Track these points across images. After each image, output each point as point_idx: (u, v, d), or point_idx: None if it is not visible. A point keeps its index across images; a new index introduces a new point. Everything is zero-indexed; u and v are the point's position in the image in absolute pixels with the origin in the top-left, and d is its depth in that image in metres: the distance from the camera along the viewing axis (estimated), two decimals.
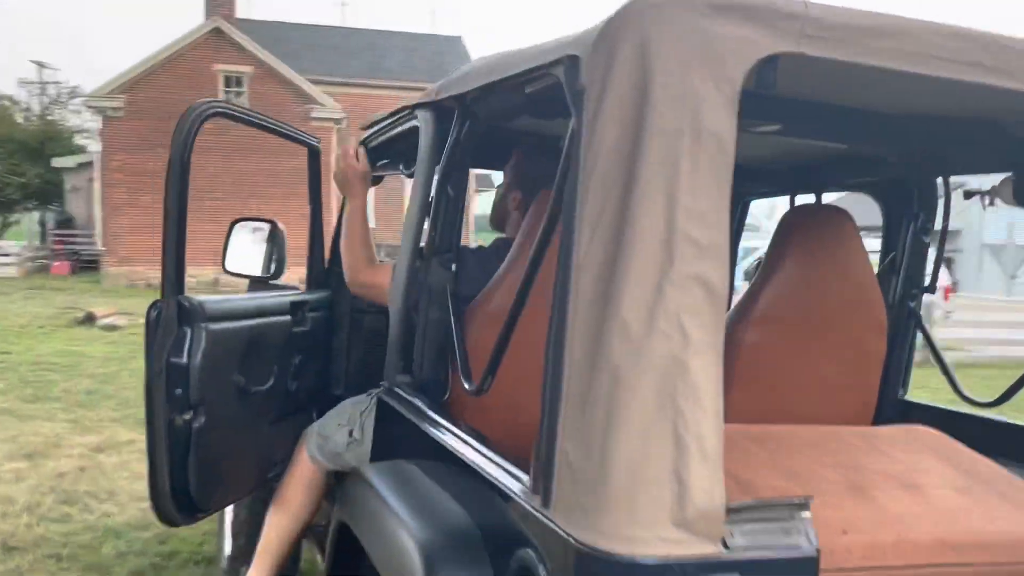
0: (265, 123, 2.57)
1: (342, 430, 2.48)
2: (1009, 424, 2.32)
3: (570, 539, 1.14)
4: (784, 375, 2.39)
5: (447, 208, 2.02)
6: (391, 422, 2.05)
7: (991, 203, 2.32)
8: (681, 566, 1.08)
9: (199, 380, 2.20)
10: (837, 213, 2.35)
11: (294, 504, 2.58)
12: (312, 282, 2.97)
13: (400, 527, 1.53)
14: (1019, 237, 25.48)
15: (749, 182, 2.87)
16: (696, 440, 1.12)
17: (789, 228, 2.41)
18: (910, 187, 2.53)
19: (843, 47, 1.28)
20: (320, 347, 2.88)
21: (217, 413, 2.29)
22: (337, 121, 21.69)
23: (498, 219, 2.56)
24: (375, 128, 2.61)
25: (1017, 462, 2.02)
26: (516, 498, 1.33)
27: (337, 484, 2.69)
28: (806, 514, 1.19)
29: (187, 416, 2.21)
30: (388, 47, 27.43)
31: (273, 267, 2.92)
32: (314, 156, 2.90)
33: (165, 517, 2.29)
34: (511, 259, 2.17)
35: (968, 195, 2.34)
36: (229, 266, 2.94)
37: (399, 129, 2.42)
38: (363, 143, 2.65)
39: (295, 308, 2.71)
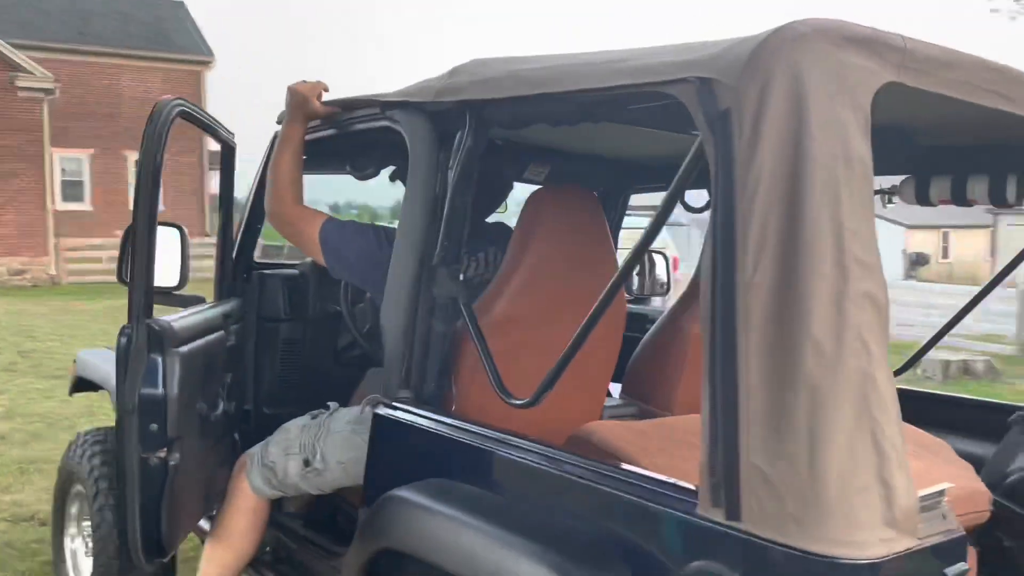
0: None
1: (292, 458, 2.33)
2: (910, 391, 2.69)
3: (782, 548, 1.20)
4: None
5: (455, 218, 1.96)
6: (403, 439, 1.96)
7: (890, 200, 2.68)
8: (894, 562, 1.18)
9: (176, 413, 1.96)
10: None
11: (236, 538, 2.38)
12: (223, 291, 2.71)
13: (512, 550, 1.50)
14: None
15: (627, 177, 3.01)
16: (892, 446, 1.23)
17: None
18: None
19: (926, 78, 1.44)
20: (240, 362, 2.65)
21: (186, 446, 2.06)
22: (48, 91, 19.32)
23: None
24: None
25: (922, 425, 2.37)
26: (676, 512, 1.36)
27: (277, 510, 2.52)
28: (945, 500, 1.34)
29: (161, 454, 1.97)
30: (97, 10, 24.79)
31: (179, 277, 2.62)
32: (228, 153, 2.63)
33: (133, 565, 2.03)
34: (508, 264, 2.15)
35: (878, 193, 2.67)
36: (126, 276, 2.60)
37: (355, 127, 2.29)
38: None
39: (224, 320, 2.47)
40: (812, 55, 1.29)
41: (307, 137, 2.34)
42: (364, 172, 2.59)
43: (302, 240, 2.30)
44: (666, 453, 1.78)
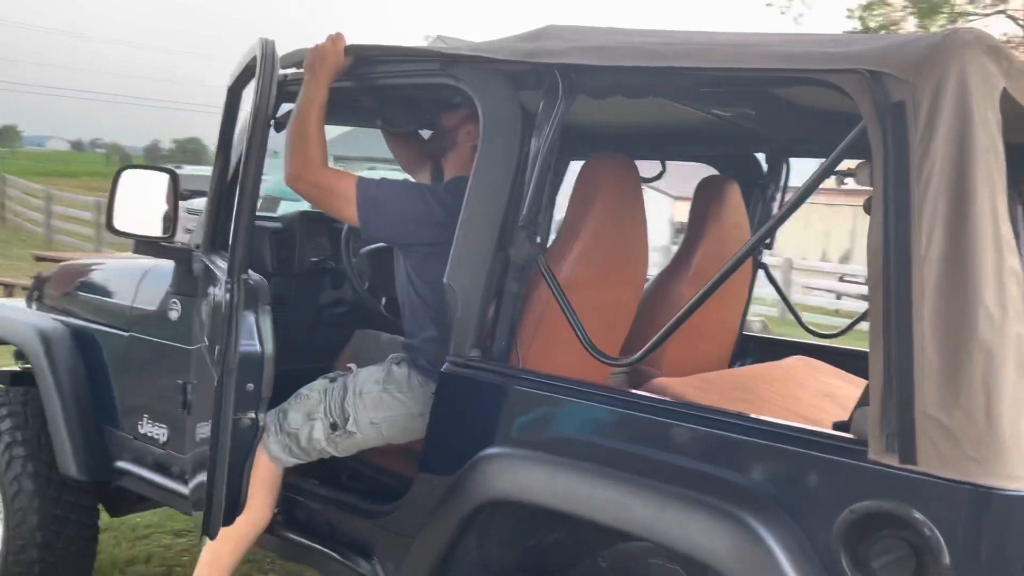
0: None
1: (317, 423, 2.30)
2: (846, 350, 3.04)
3: (962, 485, 1.40)
4: (695, 323, 2.81)
5: (540, 181, 1.99)
6: (487, 397, 1.99)
7: (843, 182, 3.00)
8: None
9: (270, 372, 1.87)
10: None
11: (253, 509, 2.28)
12: (213, 245, 2.53)
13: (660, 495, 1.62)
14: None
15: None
16: None
17: (703, 197, 2.80)
18: (772, 163, 3.08)
19: (1016, 83, 1.69)
20: None
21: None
22: None
23: (439, 149, 2.49)
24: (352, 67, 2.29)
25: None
26: (848, 460, 1.52)
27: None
28: None
29: (252, 415, 1.87)
30: None
31: (170, 226, 2.43)
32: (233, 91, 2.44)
33: (212, 532, 1.92)
34: (570, 227, 2.21)
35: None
36: (118, 224, 2.37)
37: (394, 81, 2.23)
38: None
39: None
40: (974, 61, 1.49)
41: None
42: (403, 127, 2.52)
43: (334, 201, 2.21)
44: (730, 404, 1.96)
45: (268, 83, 1.88)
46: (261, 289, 1.95)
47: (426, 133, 2.63)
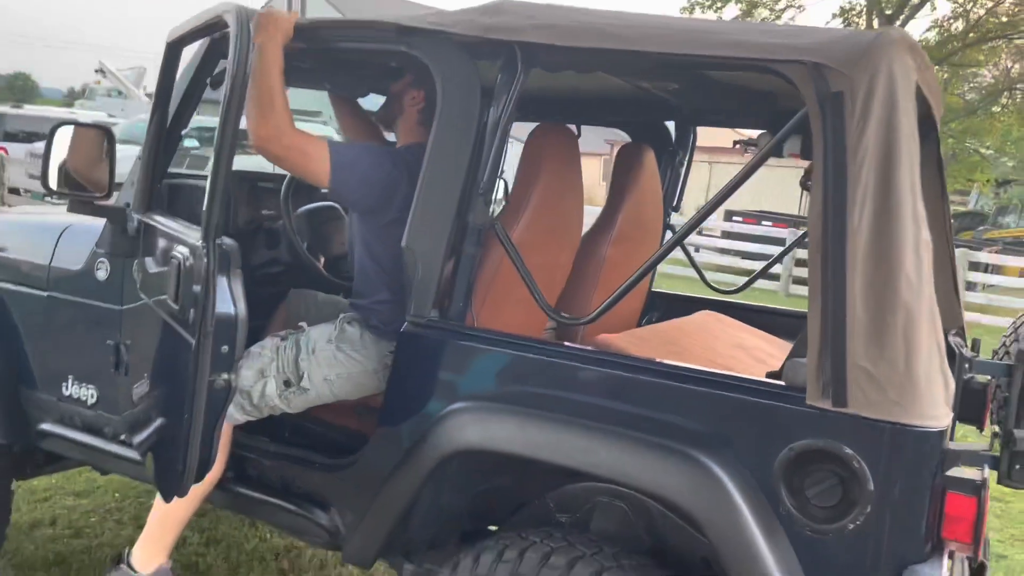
0: None
1: (270, 380, 2.37)
2: (744, 305, 3.33)
3: (886, 424, 1.65)
4: (618, 280, 3.01)
5: (497, 150, 2.10)
6: (447, 356, 2.11)
7: (746, 150, 3.25)
8: (946, 430, 1.70)
9: (242, 334, 1.91)
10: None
11: None
12: (146, 203, 2.49)
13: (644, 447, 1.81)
14: None
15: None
16: (941, 349, 1.73)
17: (624, 163, 2.98)
18: (681, 131, 3.30)
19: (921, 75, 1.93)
20: None
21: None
22: None
23: (389, 115, 2.55)
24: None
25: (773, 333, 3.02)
26: (786, 405, 1.74)
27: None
28: None
29: (226, 376, 1.91)
30: None
31: (105, 184, 2.37)
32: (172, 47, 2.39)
33: (183, 490, 1.96)
34: (520, 191, 2.33)
35: (734, 144, 3.22)
36: (53, 183, 2.29)
37: (344, 46, 2.26)
38: None
39: None
40: (899, 57, 1.72)
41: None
42: (351, 92, 2.53)
43: (308, 164, 2.23)
44: (663, 356, 2.17)
45: (245, 51, 1.89)
46: (233, 253, 1.98)
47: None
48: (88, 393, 2.71)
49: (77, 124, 2.39)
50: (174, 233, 2.18)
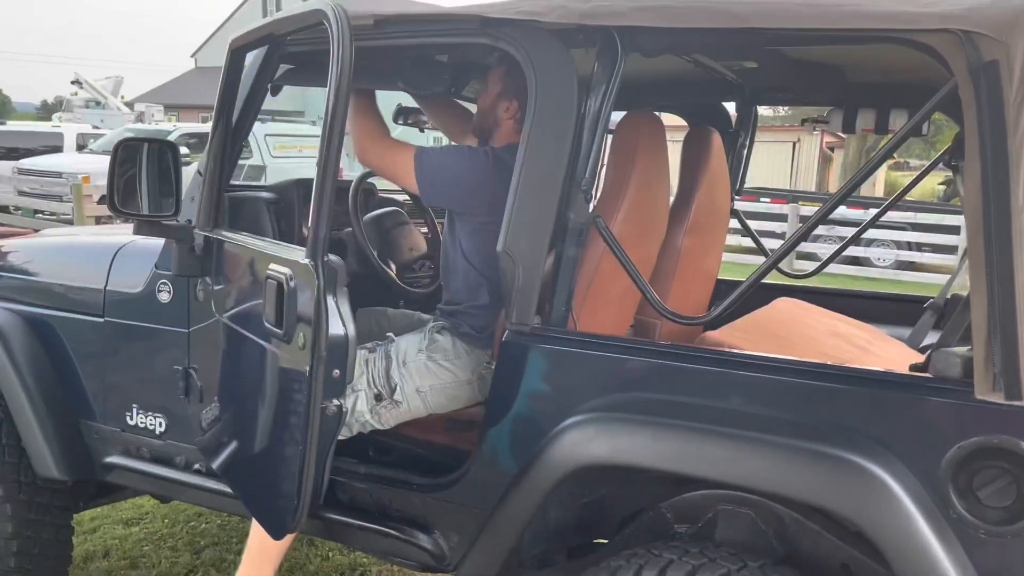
0: None
1: (360, 394, 2.27)
2: (819, 288, 3.22)
3: None
4: (694, 271, 2.90)
5: (596, 143, 1.97)
6: (562, 366, 1.99)
7: (814, 129, 3.13)
8: None
9: (352, 357, 1.78)
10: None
11: None
12: (211, 218, 2.35)
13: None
14: None
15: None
16: None
17: (692, 149, 2.86)
18: (743, 112, 3.17)
19: None
20: None
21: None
22: None
23: (484, 129, 2.45)
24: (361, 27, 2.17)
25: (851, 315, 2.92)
26: (952, 401, 1.63)
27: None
28: None
29: (338, 401, 1.78)
30: None
31: (172, 203, 2.24)
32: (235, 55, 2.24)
33: (294, 526, 1.84)
34: (615, 184, 2.21)
35: (803, 122, 3.10)
36: (121, 203, 2.16)
37: (430, 40, 2.13)
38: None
39: None
40: None
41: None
42: (432, 89, 2.40)
43: (397, 171, 2.24)
44: (774, 350, 2.06)
45: (348, 55, 1.75)
46: (340, 271, 1.85)
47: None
48: (156, 422, 2.58)
49: (140, 140, 2.25)
50: (263, 250, 2.04)
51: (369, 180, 2.85)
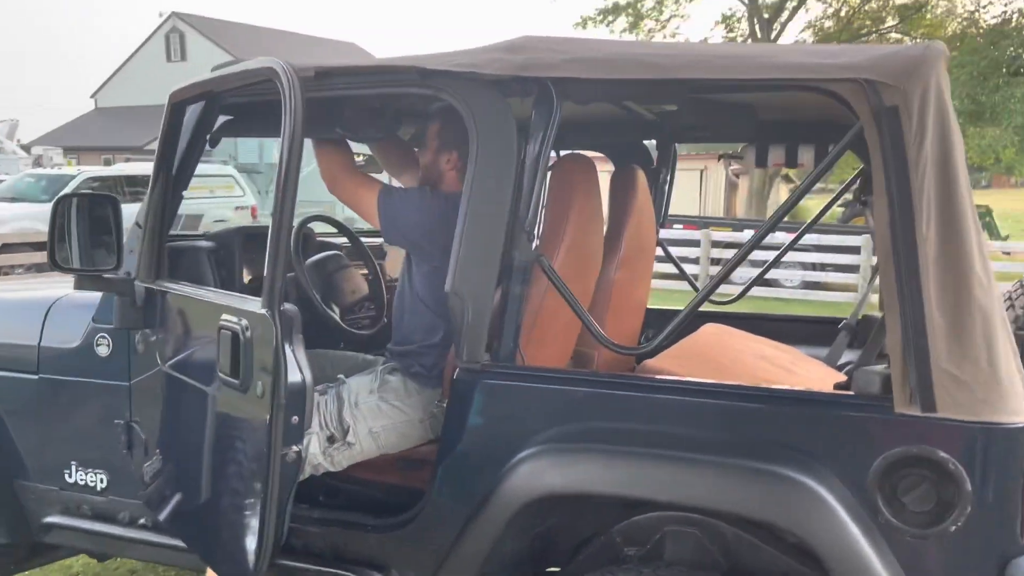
0: None
1: (313, 436, 2.26)
2: (739, 313, 3.39)
3: (975, 424, 1.70)
4: (626, 303, 3.03)
5: (534, 184, 2.08)
6: (514, 401, 2.06)
7: (730, 164, 3.32)
8: None
9: (310, 404, 1.81)
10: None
11: None
12: (151, 270, 2.35)
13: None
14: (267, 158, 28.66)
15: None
16: (1013, 345, 1.80)
17: (620, 187, 3.00)
18: (663, 150, 3.34)
19: None
20: None
21: None
22: None
23: (430, 181, 2.52)
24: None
25: (775, 339, 3.09)
26: (876, 415, 1.77)
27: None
28: None
29: (297, 448, 1.81)
30: None
31: (114, 257, 2.23)
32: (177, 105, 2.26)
33: (259, 570, 1.85)
34: (554, 223, 2.31)
35: (720, 157, 3.28)
36: (60, 258, 2.14)
37: (371, 91, 2.21)
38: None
39: None
40: (943, 69, 1.78)
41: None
42: (370, 135, 2.46)
43: (360, 208, 2.34)
44: (708, 375, 2.19)
45: (300, 108, 1.80)
46: (296, 319, 1.88)
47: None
48: (97, 478, 2.53)
49: (80, 195, 2.24)
50: (214, 300, 2.06)
51: (308, 226, 2.89)
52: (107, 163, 26.64)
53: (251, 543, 1.92)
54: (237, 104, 2.37)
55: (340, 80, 2.18)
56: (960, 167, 1.76)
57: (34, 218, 12.27)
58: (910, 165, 1.75)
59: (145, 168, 15.00)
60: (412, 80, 2.14)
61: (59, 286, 2.78)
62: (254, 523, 1.89)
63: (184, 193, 2.36)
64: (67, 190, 12.87)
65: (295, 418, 1.86)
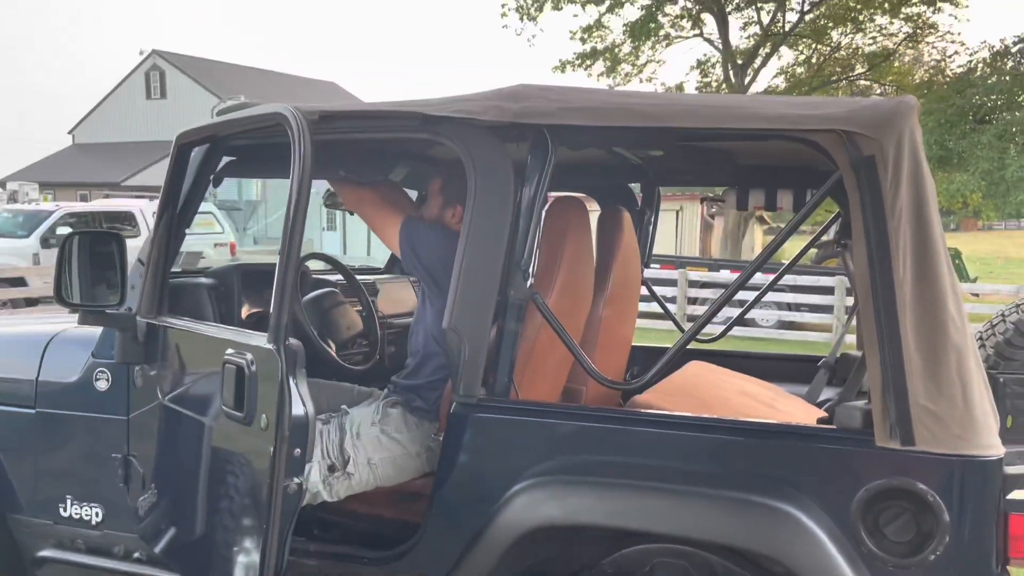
0: None
1: (314, 465, 2.30)
2: (721, 351, 3.48)
3: (952, 457, 1.79)
4: (612, 339, 3.11)
5: (532, 226, 2.16)
6: (512, 435, 2.12)
7: (712, 207, 3.44)
8: (1002, 459, 1.85)
9: (312, 436, 1.87)
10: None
11: None
12: (153, 305, 2.40)
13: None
14: (247, 195, 28.72)
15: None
16: (986, 381, 1.90)
17: (607, 228, 3.10)
18: (647, 192, 3.45)
19: None
20: None
21: None
22: None
23: None
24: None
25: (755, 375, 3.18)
26: (858, 449, 1.86)
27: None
28: None
29: (299, 480, 1.86)
30: None
31: (117, 293, 2.29)
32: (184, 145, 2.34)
33: None
34: (548, 263, 2.40)
35: (703, 200, 3.40)
36: (67, 294, 2.19)
37: (371, 135, 2.30)
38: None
39: None
40: (915, 120, 1.90)
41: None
42: (372, 178, 2.54)
43: (383, 237, 2.45)
44: (694, 409, 2.27)
45: (309, 152, 1.88)
46: (300, 353, 1.94)
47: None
48: (92, 512, 2.55)
49: (85, 233, 2.30)
50: (218, 336, 2.12)
51: (305, 263, 2.96)
52: (83, 199, 26.52)
53: (251, 574, 1.95)
54: (239, 146, 2.45)
55: (343, 124, 2.27)
56: (933, 212, 1.87)
57: (10, 253, 12.23)
58: (887, 211, 1.85)
59: (124, 204, 15.04)
60: (412, 125, 2.24)
61: (57, 321, 2.82)
62: (255, 555, 1.93)
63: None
64: (45, 226, 12.86)
65: (297, 450, 1.91)
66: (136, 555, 2.50)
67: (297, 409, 1.89)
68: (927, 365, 1.83)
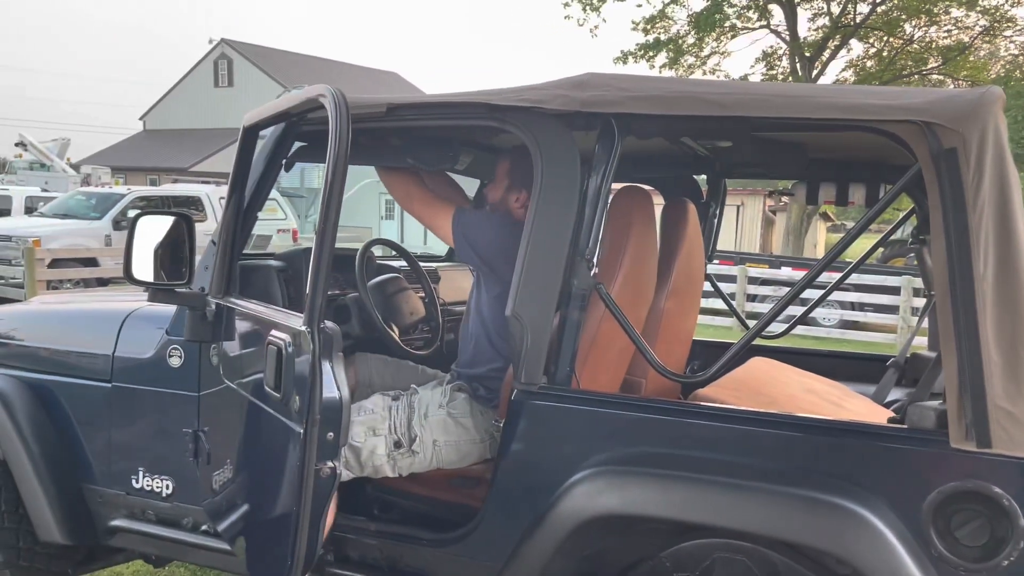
0: None
1: (380, 439, 2.35)
2: (784, 348, 3.43)
3: None
4: (674, 332, 3.08)
5: (595, 214, 2.15)
6: (573, 424, 2.12)
7: (780, 200, 3.38)
8: None
9: (346, 420, 1.91)
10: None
11: None
12: (224, 286, 2.46)
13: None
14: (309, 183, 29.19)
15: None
16: None
17: (671, 219, 3.07)
18: (713, 184, 3.41)
19: None
20: None
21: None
22: None
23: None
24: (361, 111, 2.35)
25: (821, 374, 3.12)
26: (931, 450, 1.81)
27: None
28: None
29: (332, 464, 1.89)
30: None
31: (186, 272, 2.36)
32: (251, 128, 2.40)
33: None
34: (612, 253, 2.39)
35: (771, 193, 3.34)
36: (137, 273, 2.26)
37: (440, 123, 2.31)
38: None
39: None
40: (1000, 113, 1.84)
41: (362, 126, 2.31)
42: (439, 166, 2.57)
43: (435, 229, 2.45)
44: (760, 406, 2.24)
45: (346, 134, 1.90)
46: (336, 337, 1.97)
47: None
48: (163, 484, 2.63)
49: (158, 213, 2.37)
50: (266, 317, 2.16)
51: (371, 248, 3.00)
52: (153, 183, 27.27)
53: (283, 556, 1.98)
54: (310, 131, 2.49)
55: (411, 112, 2.29)
56: (1017, 208, 1.81)
57: (83, 235, 12.65)
58: (968, 206, 1.80)
59: (192, 189, 15.42)
60: (480, 114, 2.25)
61: (131, 299, 2.91)
62: (288, 536, 1.97)
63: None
64: (117, 209, 13.26)
65: (330, 434, 1.93)
66: (204, 528, 2.57)
67: (329, 392, 1.91)
68: (1007, 365, 1.77)
